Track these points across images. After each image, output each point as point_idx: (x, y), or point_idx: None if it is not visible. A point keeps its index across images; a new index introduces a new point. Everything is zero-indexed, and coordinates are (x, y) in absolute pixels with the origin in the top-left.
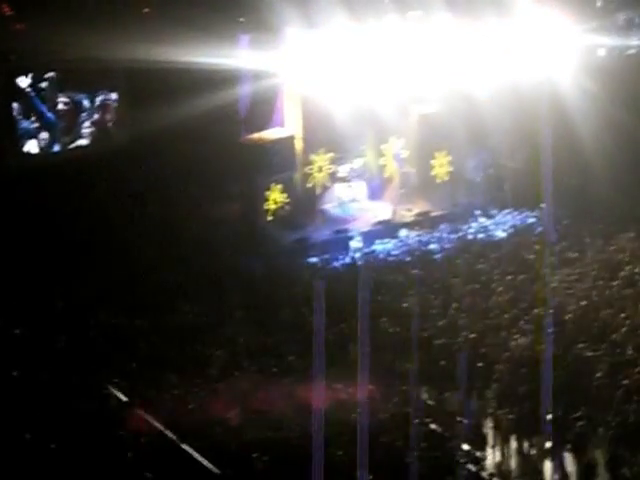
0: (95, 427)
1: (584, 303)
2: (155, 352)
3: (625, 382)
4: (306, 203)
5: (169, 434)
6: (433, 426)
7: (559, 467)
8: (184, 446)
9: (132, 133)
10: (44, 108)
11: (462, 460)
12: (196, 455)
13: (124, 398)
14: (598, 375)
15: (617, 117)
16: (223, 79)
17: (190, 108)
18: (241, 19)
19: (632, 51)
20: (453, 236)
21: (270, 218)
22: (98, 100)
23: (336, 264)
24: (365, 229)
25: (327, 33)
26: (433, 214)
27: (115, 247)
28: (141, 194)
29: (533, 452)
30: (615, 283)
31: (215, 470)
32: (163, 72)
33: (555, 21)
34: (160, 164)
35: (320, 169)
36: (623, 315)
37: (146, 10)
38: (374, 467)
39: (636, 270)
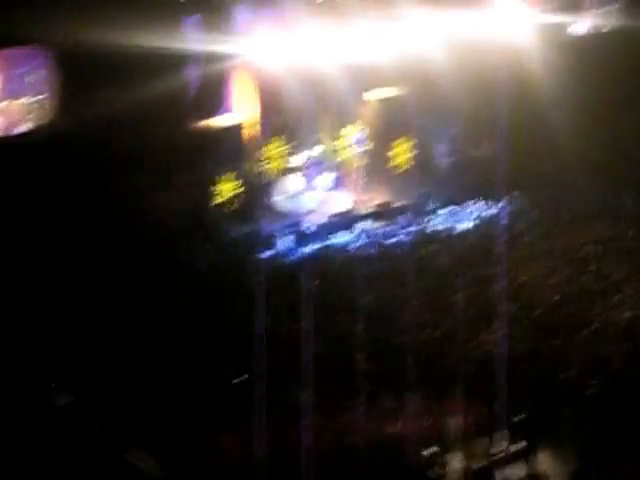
0: None
1: (553, 298)
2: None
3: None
4: (259, 194)
5: None
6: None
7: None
8: None
9: (71, 119)
10: None
11: None
12: None
13: None
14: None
15: (590, 101)
16: (169, 63)
17: (133, 93)
18: None
19: (607, 29)
20: (415, 228)
21: (220, 210)
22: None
23: (290, 258)
24: (322, 221)
25: (280, 13)
26: (394, 205)
27: (50, 243)
28: (80, 184)
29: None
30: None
31: None
32: (104, 54)
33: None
34: (101, 152)
35: (274, 158)
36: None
37: None
38: None
39: (605, 263)
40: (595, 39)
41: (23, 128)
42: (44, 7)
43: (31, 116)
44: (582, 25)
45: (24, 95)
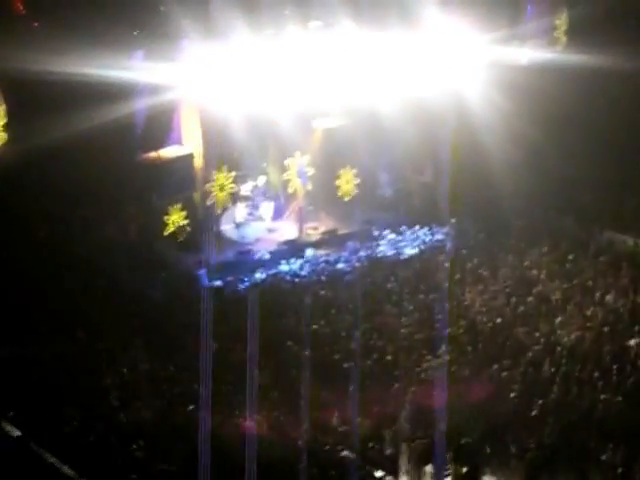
0: None
1: (498, 321)
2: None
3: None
4: (208, 224)
5: None
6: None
7: None
8: None
9: (16, 150)
10: None
11: None
12: None
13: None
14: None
15: (528, 131)
16: (117, 94)
17: (81, 124)
18: (136, 31)
19: (545, 59)
20: (361, 255)
21: (169, 240)
22: None
23: (239, 287)
24: (270, 249)
25: (226, 45)
26: (340, 232)
27: None
28: (27, 215)
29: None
30: (528, 300)
31: None
32: (52, 85)
33: (464, 32)
34: (47, 183)
35: (222, 188)
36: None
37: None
38: None
39: (549, 287)
40: (533, 69)
41: None
42: None
43: None
44: (521, 55)
45: None
